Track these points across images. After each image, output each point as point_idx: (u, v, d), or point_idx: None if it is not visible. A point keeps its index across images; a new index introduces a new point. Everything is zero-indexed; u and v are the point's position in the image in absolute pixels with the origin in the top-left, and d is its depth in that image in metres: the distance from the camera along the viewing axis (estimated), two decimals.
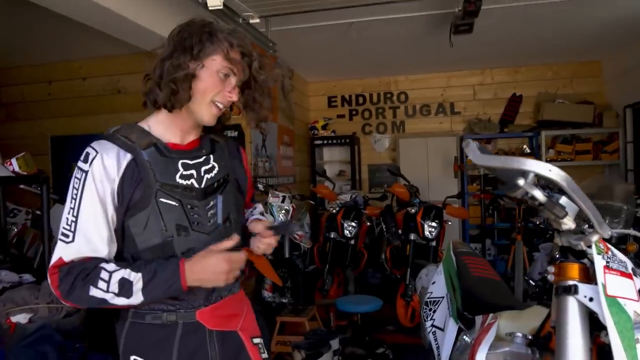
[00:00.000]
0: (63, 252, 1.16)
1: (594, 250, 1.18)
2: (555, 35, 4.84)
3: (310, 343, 2.98)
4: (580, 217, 1.22)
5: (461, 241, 2.66)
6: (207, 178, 1.30)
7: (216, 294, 1.32)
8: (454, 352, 1.99)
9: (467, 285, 1.99)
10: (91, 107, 5.14)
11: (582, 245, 1.20)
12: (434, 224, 4.32)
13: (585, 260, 1.24)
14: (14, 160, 2.59)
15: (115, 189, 1.19)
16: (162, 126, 1.29)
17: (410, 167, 5.94)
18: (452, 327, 2.02)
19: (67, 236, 1.16)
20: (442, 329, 2.13)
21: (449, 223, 4.61)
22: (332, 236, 4.58)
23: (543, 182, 1.22)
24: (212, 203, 1.30)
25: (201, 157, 1.31)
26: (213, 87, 1.24)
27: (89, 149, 1.20)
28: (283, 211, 4.22)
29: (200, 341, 1.28)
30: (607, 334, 1.15)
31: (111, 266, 1.16)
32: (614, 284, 1.14)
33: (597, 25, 4.51)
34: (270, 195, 4.25)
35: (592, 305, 1.15)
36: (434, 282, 2.38)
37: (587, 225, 1.23)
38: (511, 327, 1.50)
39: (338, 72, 6.35)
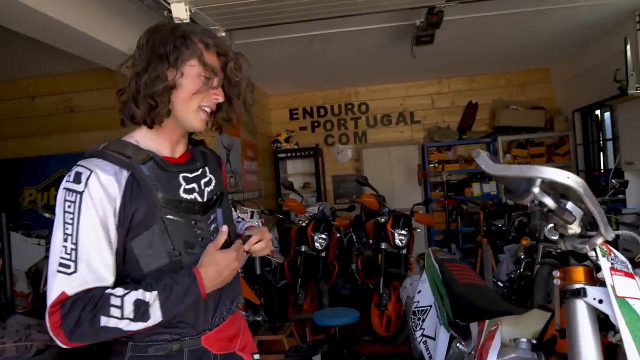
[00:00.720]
0: (65, 285, 1.02)
1: (599, 253, 1.20)
2: (507, 45, 5.05)
3: None
4: (583, 221, 1.24)
5: (438, 248, 2.67)
6: (207, 191, 1.25)
7: (218, 316, 1.25)
8: None
9: (456, 293, 1.99)
10: (42, 127, 4.87)
11: (587, 249, 1.22)
12: (403, 232, 4.36)
13: (587, 263, 1.27)
14: None
15: (117, 209, 1.09)
16: (150, 140, 1.20)
17: (374, 176, 5.96)
18: (444, 336, 2.02)
19: (68, 267, 1.03)
20: (433, 338, 2.13)
21: (418, 230, 4.67)
22: (303, 249, 4.52)
23: (546, 188, 1.23)
24: (212, 217, 1.25)
25: (198, 169, 1.26)
26: (197, 92, 1.17)
27: (78, 168, 1.08)
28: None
29: None
30: (614, 334, 1.17)
31: (119, 290, 1.05)
32: (622, 285, 1.16)
33: (546, 35, 4.74)
34: (238, 211, 4.15)
35: (602, 307, 1.16)
36: (419, 291, 2.37)
37: (589, 229, 1.26)
38: (514, 332, 1.50)
39: (299, 84, 6.35)
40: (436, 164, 6.26)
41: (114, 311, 1.03)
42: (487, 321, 1.67)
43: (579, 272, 1.23)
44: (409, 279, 2.70)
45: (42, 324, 2.19)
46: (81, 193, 1.05)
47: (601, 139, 5.39)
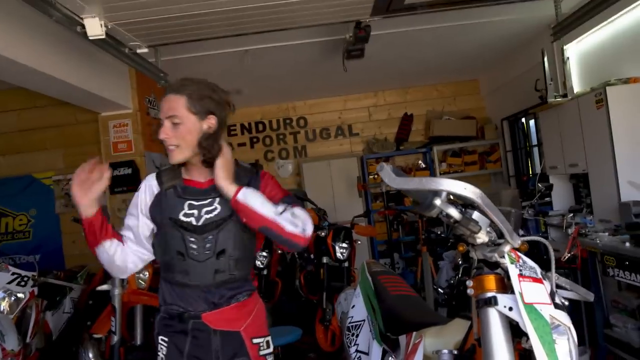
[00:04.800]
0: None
1: (507, 260, 1.21)
2: (437, 58, 5.23)
3: None
4: (491, 227, 1.25)
5: (374, 260, 2.67)
6: (205, 218, 1.59)
7: (215, 303, 1.60)
8: None
9: (387, 306, 1.98)
10: None
11: (496, 257, 1.23)
12: (344, 244, 4.34)
13: (499, 270, 1.28)
14: None
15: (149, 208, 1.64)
16: (185, 167, 1.65)
17: (315, 190, 5.97)
18: (377, 350, 2.00)
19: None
20: (367, 354, 2.10)
21: (359, 242, 4.67)
22: None
23: (452, 199, 1.24)
24: (210, 237, 1.58)
25: (208, 199, 1.61)
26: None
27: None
28: None
29: (206, 335, 1.60)
30: (527, 340, 1.18)
31: None
32: (529, 291, 1.17)
33: (473, 48, 4.95)
34: None
35: (512, 314, 1.17)
36: (353, 306, 2.35)
37: (497, 236, 1.28)
38: (436, 344, 1.50)
39: (236, 100, 6.14)
40: (376, 176, 6.33)
41: None
42: (413, 333, 1.67)
43: (490, 281, 1.24)
44: (344, 293, 2.67)
45: None
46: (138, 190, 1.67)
47: (528, 145, 5.66)
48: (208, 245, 1.58)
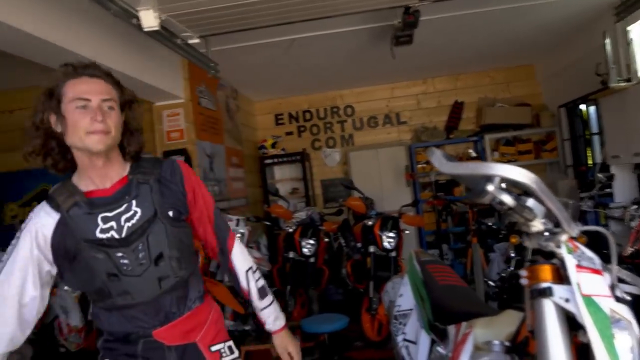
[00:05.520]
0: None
1: (564, 250, 1.16)
2: (489, 43, 5.04)
3: None
4: (548, 218, 1.20)
5: (423, 250, 2.64)
6: (127, 226, 1.36)
7: (166, 316, 1.42)
8: None
9: (435, 296, 1.95)
10: (22, 141, 4.79)
11: (552, 246, 1.18)
12: (391, 234, 4.31)
13: (555, 261, 1.23)
14: None
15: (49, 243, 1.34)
16: (78, 178, 1.38)
17: (362, 179, 5.95)
18: (425, 340, 1.98)
19: None
20: (414, 342, 2.08)
21: (407, 232, 4.62)
22: (290, 256, 4.47)
23: (508, 186, 1.19)
24: (140, 246, 1.36)
25: (123, 205, 1.37)
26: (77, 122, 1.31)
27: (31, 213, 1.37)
28: (238, 235, 4.08)
29: (160, 353, 1.42)
30: (584, 333, 1.13)
31: None
32: (588, 283, 1.12)
33: (528, 32, 4.73)
34: None
35: (569, 306, 1.12)
36: (401, 295, 2.33)
37: (553, 225, 1.22)
38: (487, 335, 1.46)
39: (283, 89, 6.32)
40: (424, 165, 6.23)
41: None
42: (463, 324, 1.63)
43: (545, 271, 1.19)
44: (391, 282, 2.64)
45: None
46: (21, 230, 1.35)
47: (587, 133, 5.38)
48: (141, 255, 1.36)
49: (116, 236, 1.34)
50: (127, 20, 2.71)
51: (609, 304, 1.12)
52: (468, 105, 6.37)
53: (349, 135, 6.62)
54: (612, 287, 1.20)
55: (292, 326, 4.01)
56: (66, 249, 1.32)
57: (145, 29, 2.71)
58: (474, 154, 6.20)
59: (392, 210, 4.77)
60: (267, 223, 5.43)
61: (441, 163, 1.02)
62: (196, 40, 3.38)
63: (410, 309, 2.21)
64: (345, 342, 4.13)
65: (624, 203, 3.92)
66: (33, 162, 1.36)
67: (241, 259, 1.58)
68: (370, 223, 4.39)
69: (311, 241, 4.51)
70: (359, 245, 4.57)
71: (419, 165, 6.22)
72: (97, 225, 1.33)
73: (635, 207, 3.43)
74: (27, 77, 4.45)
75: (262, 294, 1.60)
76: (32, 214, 1.35)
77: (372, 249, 4.31)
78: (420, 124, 6.47)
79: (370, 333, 4.12)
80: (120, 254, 1.34)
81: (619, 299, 1.18)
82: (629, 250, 3.05)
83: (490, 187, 1.01)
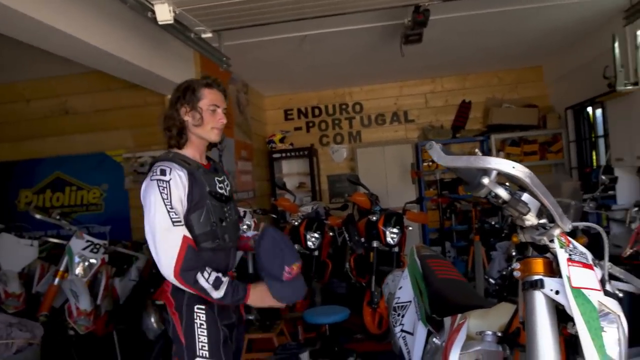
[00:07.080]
0: (183, 231, 1.69)
1: (556, 244, 1.22)
2: (498, 44, 5.06)
3: (280, 358, 2.93)
4: (541, 213, 1.26)
5: (424, 245, 2.69)
6: (227, 189, 1.91)
7: (229, 266, 1.91)
8: (425, 355, 2.01)
9: (433, 288, 2.01)
10: (37, 130, 4.92)
11: (545, 240, 1.23)
12: (395, 230, 4.37)
13: (548, 255, 1.29)
14: None
15: (186, 192, 1.73)
16: (192, 153, 1.85)
17: (368, 175, 6.00)
18: (422, 331, 2.04)
19: (180, 221, 1.69)
20: (411, 333, 2.15)
21: (410, 228, 4.68)
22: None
23: (504, 181, 1.25)
24: (230, 206, 1.90)
25: (220, 175, 1.90)
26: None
27: (162, 166, 1.72)
28: (244, 226, 4.16)
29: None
30: (573, 325, 1.18)
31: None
32: (578, 276, 1.17)
33: (536, 33, 4.75)
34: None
35: (559, 298, 1.18)
36: (400, 287, 2.39)
37: (547, 220, 1.28)
38: (480, 325, 1.52)
39: (293, 85, 6.37)
40: (430, 163, 6.27)
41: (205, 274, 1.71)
42: (458, 315, 1.69)
43: (537, 264, 1.25)
44: (392, 275, 2.71)
45: (23, 322, 2.21)
46: (169, 181, 1.70)
47: (593, 135, 5.39)
48: (230, 212, 1.90)
49: (225, 194, 1.87)
50: (142, 13, 2.78)
51: (597, 297, 1.18)
52: (475, 105, 6.39)
53: (356, 132, 6.68)
54: (603, 282, 1.25)
55: (295, 317, 4.11)
56: (193, 196, 1.74)
57: (160, 23, 2.78)
58: (479, 154, 6.21)
59: (396, 206, 4.82)
60: (274, 216, 5.51)
61: (440, 156, 1.08)
62: (209, 35, 3.44)
63: (409, 301, 2.27)
64: (346, 334, 4.20)
65: (626, 205, 3.95)
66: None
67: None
68: (374, 218, 4.45)
69: (316, 235, 4.57)
70: (362, 240, 4.63)
71: (425, 164, 6.27)
72: (216, 183, 1.84)
73: (636, 209, 3.45)
74: (45, 68, 4.58)
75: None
76: (167, 170, 1.71)
77: (375, 243, 4.37)
78: (428, 122, 6.52)
79: (370, 326, 4.19)
80: (226, 207, 1.86)
81: (608, 293, 1.23)
82: (628, 251, 3.09)
83: (485, 180, 1.07)
